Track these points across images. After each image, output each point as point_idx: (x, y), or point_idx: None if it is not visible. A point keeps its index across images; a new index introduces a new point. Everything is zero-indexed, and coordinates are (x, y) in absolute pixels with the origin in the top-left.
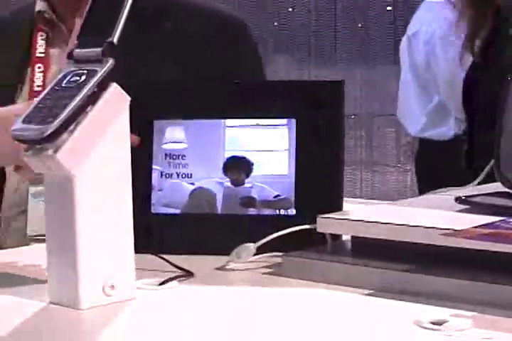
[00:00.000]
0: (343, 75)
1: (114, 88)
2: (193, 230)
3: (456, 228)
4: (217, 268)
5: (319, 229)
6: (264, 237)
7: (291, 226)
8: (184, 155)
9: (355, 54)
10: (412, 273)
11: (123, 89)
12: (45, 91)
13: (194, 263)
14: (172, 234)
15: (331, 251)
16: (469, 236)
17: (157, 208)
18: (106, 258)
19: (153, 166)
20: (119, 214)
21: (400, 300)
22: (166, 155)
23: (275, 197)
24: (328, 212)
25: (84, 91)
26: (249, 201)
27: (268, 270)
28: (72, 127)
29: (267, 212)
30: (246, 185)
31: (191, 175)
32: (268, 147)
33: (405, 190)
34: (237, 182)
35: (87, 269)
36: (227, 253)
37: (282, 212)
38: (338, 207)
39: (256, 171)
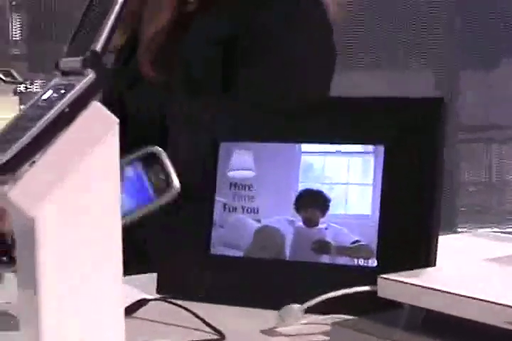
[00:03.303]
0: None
1: (96, 108)
2: (253, 277)
3: None
4: (262, 331)
5: (380, 293)
6: (337, 290)
7: (370, 281)
8: (251, 186)
9: None
10: None
11: (183, 107)
12: (22, 110)
13: (240, 320)
14: (228, 281)
15: (393, 322)
16: None
17: (217, 248)
18: (81, 328)
19: (216, 197)
20: (101, 268)
21: None
22: (231, 184)
23: (353, 242)
24: (417, 267)
25: (53, 111)
26: (322, 246)
27: (315, 339)
28: (37, 157)
29: (342, 260)
30: (320, 226)
31: (258, 209)
32: (349, 180)
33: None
34: (311, 222)
35: None
36: None
37: (361, 262)
38: (429, 261)
39: (333, 209)
